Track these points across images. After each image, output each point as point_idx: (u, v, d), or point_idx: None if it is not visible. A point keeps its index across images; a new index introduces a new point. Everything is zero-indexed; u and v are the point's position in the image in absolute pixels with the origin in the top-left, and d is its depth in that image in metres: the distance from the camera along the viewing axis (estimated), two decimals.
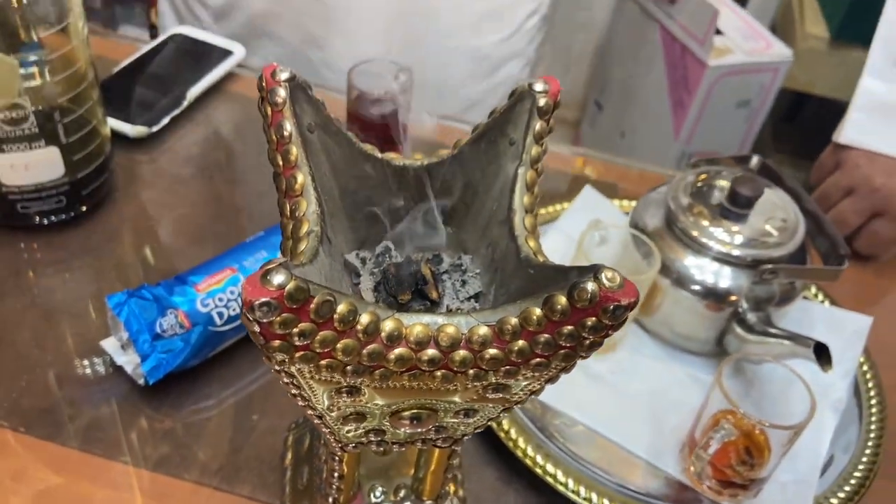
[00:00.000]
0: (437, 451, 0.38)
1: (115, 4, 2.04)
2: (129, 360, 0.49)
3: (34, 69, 0.51)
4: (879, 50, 0.63)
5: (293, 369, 0.26)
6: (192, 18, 0.85)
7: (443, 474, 0.40)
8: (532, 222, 0.33)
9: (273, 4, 0.80)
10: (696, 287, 0.53)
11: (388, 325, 0.26)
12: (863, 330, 0.57)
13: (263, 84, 0.32)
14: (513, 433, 0.49)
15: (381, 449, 0.34)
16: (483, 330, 0.26)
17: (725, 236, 0.53)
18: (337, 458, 0.37)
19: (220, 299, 0.49)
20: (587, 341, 0.27)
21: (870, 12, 0.65)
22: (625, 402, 0.53)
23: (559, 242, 0.61)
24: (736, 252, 0.52)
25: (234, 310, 0.50)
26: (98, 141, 0.58)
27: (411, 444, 0.34)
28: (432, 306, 0.32)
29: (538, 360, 0.27)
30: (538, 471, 0.47)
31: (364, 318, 0.25)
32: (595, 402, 0.52)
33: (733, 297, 0.52)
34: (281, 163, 0.32)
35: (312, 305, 0.24)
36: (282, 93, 0.31)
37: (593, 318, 0.26)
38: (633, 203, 0.61)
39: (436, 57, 0.84)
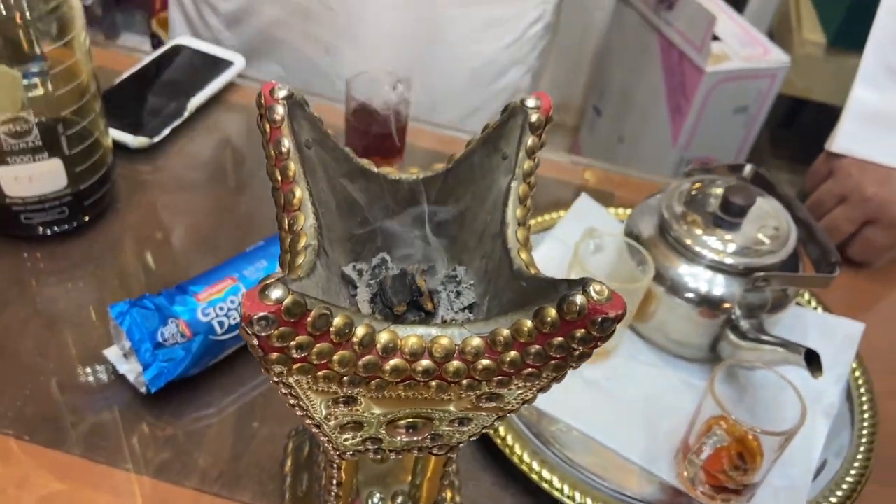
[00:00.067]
0: (433, 458, 0.39)
1: (116, 12, 2.06)
2: (131, 369, 0.50)
3: (37, 80, 0.52)
4: (871, 59, 0.64)
5: (291, 380, 0.27)
6: (204, 26, 0.86)
7: (439, 481, 0.41)
8: (525, 235, 0.34)
9: (283, 12, 0.81)
10: (690, 294, 0.54)
11: (383, 337, 0.26)
12: (855, 336, 0.58)
13: (262, 101, 0.33)
14: (509, 439, 0.49)
15: (379, 457, 0.35)
16: (476, 341, 0.27)
17: (718, 244, 0.53)
18: (335, 465, 0.38)
19: (221, 308, 0.50)
20: (577, 352, 0.28)
21: (866, 19, 0.65)
22: (620, 407, 0.53)
23: (555, 250, 0.62)
24: (729, 260, 0.53)
25: (234, 319, 0.51)
26: (100, 152, 0.59)
27: (408, 452, 0.35)
28: (427, 317, 0.33)
29: (530, 370, 0.28)
30: (534, 477, 0.48)
31: (360, 331, 0.26)
32: (590, 408, 0.53)
33: (726, 305, 0.53)
34: (279, 178, 0.32)
35: (309, 319, 0.25)
36: (280, 110, 0.32)
37: (582, 330, 0.27)
38: (629, 211, 0.62)
39: (440, 64, 0.84)
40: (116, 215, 0.63)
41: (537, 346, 0.27)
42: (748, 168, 0.60)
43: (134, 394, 0.50)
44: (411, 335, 0.27)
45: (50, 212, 0.57)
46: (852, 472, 0.50)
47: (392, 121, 0.66)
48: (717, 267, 0.53)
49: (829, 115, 0.68)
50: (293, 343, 0.25)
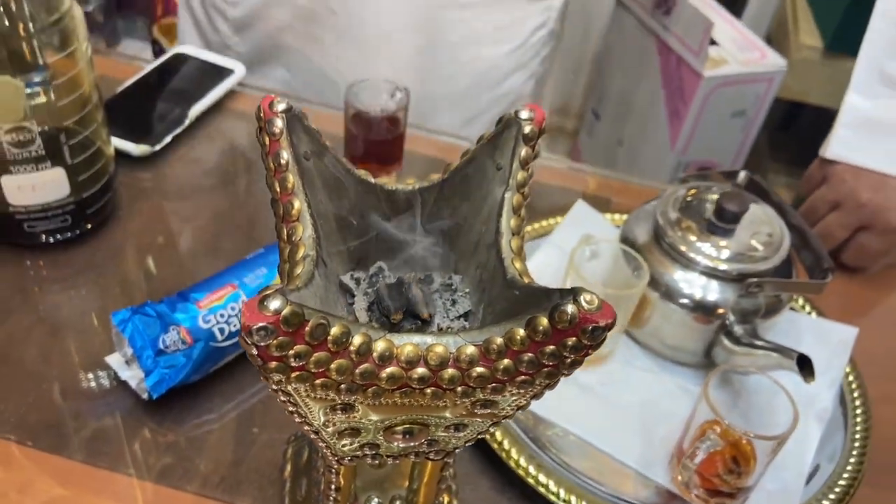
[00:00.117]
0: (430, 463, 0.39)
1: (117, 18, 2.07)
2: (132, 376, 0.51)
3: (40, 90, 0.53)
4: (864, 66, 0.65)
5: (290, 388, 0.28)
6: (213, 31, 0.87)
7: (436, 485, 0.41)
8: (518, 244, 0.34)
9: (290, 17, 0.82)
10: (685, 300, 0.54)
11: (379, 346, 0.27)
12: (848, 341, 0.58)
13: (261, 115, 0.33)
14: (506, 444, 0.50)
15: (376, 462, 0.35)
16: (470, 349, 0.28)
17: (712, 251, 0.54)
18: (334, 470, 0.38)
19: (222, 315, 0.51)
20: (568, 360, 0.28)
21: (862, 23, 0.66)
22: (615, 412, 0.54)
23: (552, 256, 0.63)
24: (723, 266, 0.54)
25: (234, 326, 0.51)
26: (103, 161, 0.60)
27: (405, 457, 0.35)
28: (423, 325, 0.34)
29: (523, 377, 0.29)
30: (531, 481, 0.49)
31: (356, 340, 0.27)
32: (586, 412, 0.53)
33: (721, 310, 0.54)
34: (278, 189, 0.33)
35: (307, 329, 0.26)
36: (279, 123, 0.33)
37: (573, 339, 0.27)
38: (625, 217, 0.63)
39: (442, 68, 0.85)
40: (118, 223, 0.64)
41: (530, 354, 0.28)
42: (742, 174, 0.61)
43: (136, 400, 0.51)
44: (407, 344, 0.28)
45: (53, 220, 0.58)
46: (845, 475, 0.51)
47: (390, 128, 0.67)
48: (711, 273, 0.54)
49: (826, 119, 0.68)
50: (291, 352, 0.26)
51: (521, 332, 0.28)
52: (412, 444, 0.33)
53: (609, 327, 0.27)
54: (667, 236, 0.55)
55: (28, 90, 0.52)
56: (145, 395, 0.50)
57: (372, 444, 0.33)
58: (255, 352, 0.26)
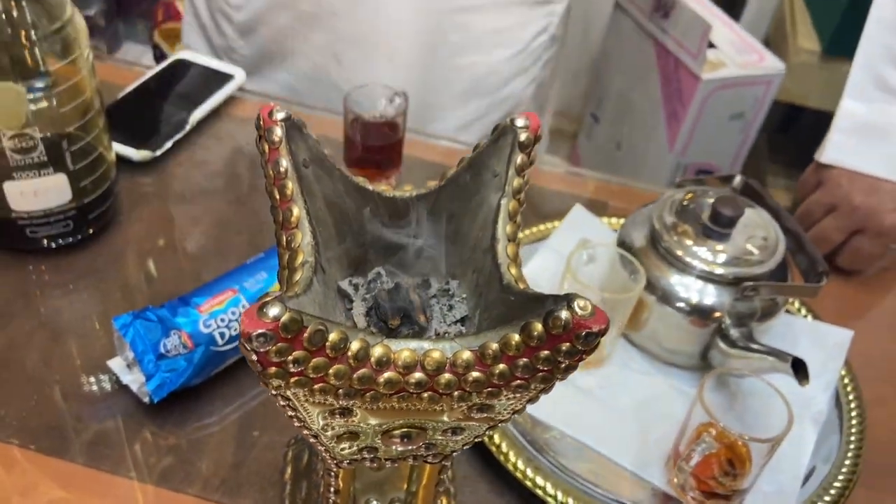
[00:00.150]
0: (428, 466, 0.40)
1: (118, 22, 2.08)
2: (134, 379, 0.51)
3: (42, 97, 0.53)
4: (859, 72, 0.65)
5: (289, 393, 0.28)
6: (218, 35, 0.88)
7: (434, 488, 0.42)
8: (514, 250, 0.35)
9: (294, 22, 0.82)
10: (681, 304, 0.55)
11: (377, 351, 0.28)
12: (844, 343, 0.59)
13: (261, 123, 0.34)
14: (504, 447, 0.50)
15: (375, 465, 0.36)
16: (466, 354, 0.28)
17: (708, 255, 0.54)
18: (333, 473, 0.39)
19: (222, 320, 0.51)
20: (563, 365, 0.29)
21: (859, 27, 0.66)
22: (612, 415, 0.55)
23: (550, 261, 0.63)
24: (719, 270, 0.54)
25: (235, 330, 0.52)
26: (104, 167, 0.60)
27: (403, 461, 0.36)
28: (421, 330, 0.34)
29: (518, 382, 0.29)
30: (528, 484, 0.49)
31: (354, 345, 0.27)
32: (583, 415, 0.54)
33: (717, 314, 0.54)
34: (278, 197, 0.34)
35: (306, 335, 0.26)
36: (278, 132, 0.34)
37: (567, 344, 0.28)
38: (622, 221, 0.63)
39: (444, 72, 0.86)
40: (119, 228, 0.64)
41: (525, 359, 0.28)
42: (738, 178, 0.62)
43: (137, 403, 0.52)
44: (404, 349, 0.28)
45: (55, 225, 0.59)
46: (840, 477, 0.51)
47: (389, 133, 0.68)
48: (707, 277, 0.54)
49: (825, 122, 0.69)
50: (290, 358, 0.26)
51: (516, 337, 0.28)
52: (410, 447, 0.33)
53: (602, 333, 0.28)
54: (663, 240, 0.56)
55: (30, 96, 0.53)
56: (147, 399, 0.50)
57: (370, 448, 0.34)
58: (254, 358, 0.26)
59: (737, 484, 0.48)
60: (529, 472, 0.49)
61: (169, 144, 0.71)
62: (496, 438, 0.51)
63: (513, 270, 0.34)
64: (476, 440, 0.35)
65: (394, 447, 0.33)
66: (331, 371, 0.27)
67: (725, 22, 1.48)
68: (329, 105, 0.81)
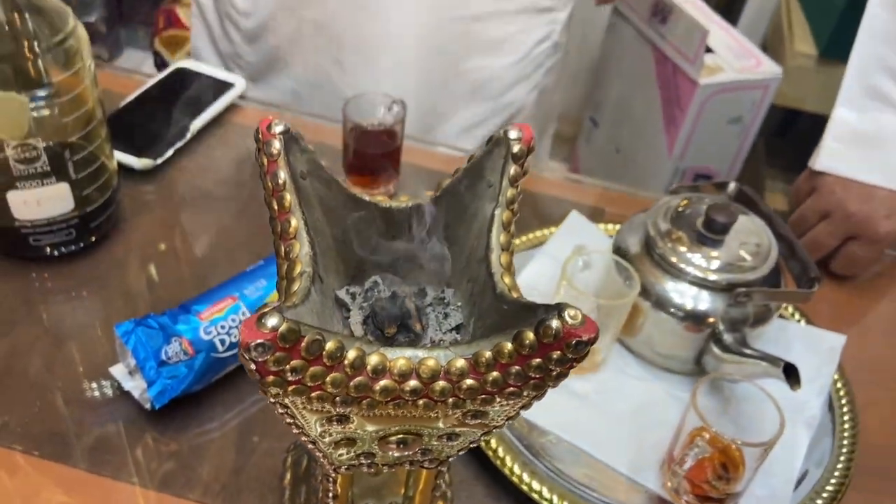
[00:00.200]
0: (424, 471, 0.41)
1: (119, 29, 2.09)
2: (136, 386, 0.52)
3: (45, 107, 0.54)
4: (851, 80, 0.66)
5: (287, 401, 0.29)
6: (226, 41, 0.89)
7: (431, 492, 0.42)
8: (507, 259, 0.35)
9: (300, 30, 0.83)
10: (675, 310, 0.56)
11: (373, 360, 0.28)
12: (837, 348, 0.59)
13: (259, 136, 0.35)
14: (500, 451, 0.51)
15: (372, 470, 0.36)
16: (460, 362, 0.29)
17: (702, 261, 0.55)
18: (331, 479, 0.39)
19: (222, 327, 0.52)
20: (554, 372, 0.29)
21: (856, 31, 0.67)
22: (608, 420, 0.55)
23: (546, 266, 0.64)
24: (712, 277, 0.55)
25: (235, 337, 0.52)
26: (106, 176, 0.61)
27: (400, 466, 0.37)
28: (417, 338, 0.35)
29: (511, 389, 0.30)
30: (524, 488, 0.50)
31: (351, 354, 0.28)
32: (579, 420, 0.55)
33: (711, 319, 0.55)
34: (276, 208, 0.34)
35: (303, 344, 0.27)
36: (276, 144, 0.34)
37: (558, 352, 0.29)
38: (619, 227, 0.64)
39: (445, 78, 0.87)
40: (121, 235, 0.65)
41: (517, 367, 0.29)
42: (732, 185, 0.62)
43: (139, 409, 0.52)
44: (399, 357, 0.29)
45: (57, 233, 0.59)
46: (832, 480, 0.52)
47: (388, 141, 0.69)
48: (701, 283, 0.55)
49: (822, 125, 0.69)
50: (288, 367, 0.27)
51: (508, 345, 0.29)
52: (406, 453, 0.34)
53: (592, 341, 0.28)
54: (657, 247, 0.56)
55: (33, 107, 0.53)
56: (148, 405, 0.51)
57: (367, 454, 0.34)
58: (253, 367, 0.27)
59: (730, 487, 0.49)
60: (526, 477, 0.50)
61: (170, 153, 0.72)
62: (493, 443, 0.51)
63: (506, 279, 0.34)
64: (471, 445, 0.35)
65: (390, 453, 0.34)
66: (328, 379, 0.28)
67: (723, 27, 1.49)
68: (333, 112, 0.82)
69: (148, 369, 0.50)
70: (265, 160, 0.35)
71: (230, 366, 0.53)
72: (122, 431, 0.52)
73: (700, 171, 1.54)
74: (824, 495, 0.51)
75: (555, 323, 0.28)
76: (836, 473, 0.52)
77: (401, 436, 0.33)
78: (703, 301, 0.55)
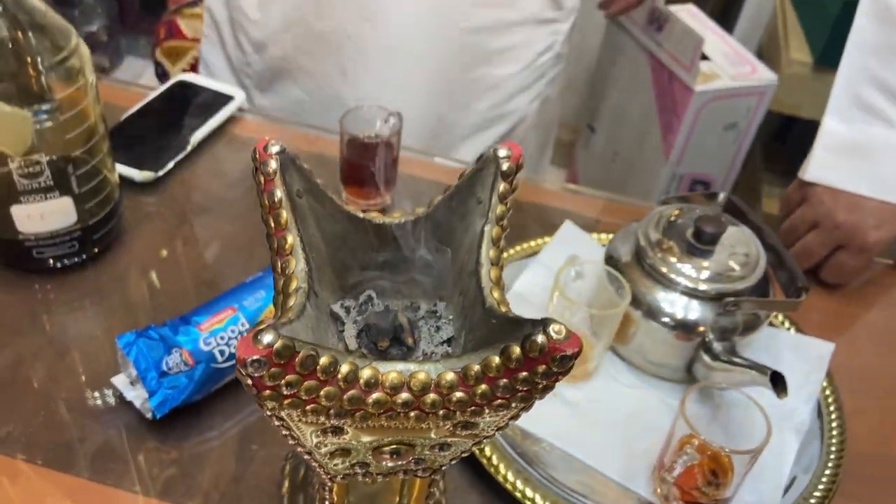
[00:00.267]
0: (418, 479, 0.42)
1: (120, 38, 2.10)
2: (137, 396, 0.53)
3: (48, 123, 0.55)
4: (840, 92, 0.67)
5: (283, 414, 0.30)
6: (237, 50, 0.91)
7: (425, 500, 0.43)
8: (497, 274, 0.37)
9: (308, 39, 0.85)
10: (666, 319, 0.57)
11: (365, 373, 0.29)
12: (825, 356, 0.60)
13: (257, 156, 0.36)
14: (494, 459, 0.52)
15: (368, 479, 0.38)
16: (450, 376, 0.30)
17: (692, 272, 0.56)
18: (327, 487, 0.41)
19: (222, 338, 0.53)
20: (541, 385, 0.31)
21: None
22: (600, 427, 0.56)
23: (540, 276, 0.65)
24: (702, 286, 0.56)
25: (234, 348, 0.54)
26: (108, 189, 0.62)
27: (394, 475, 0.38)
28: (409, 351, 0.36)
29: (499, 401, 0.31)
30: (518, 495, 0.51)
31: (344, 368, 0.29)
32: (572, 427, 0.56)
33: (701, 328, 0.56)
34: (273, 225, 0.36)
35: (297, 359, 0.28)
36: (273, 164, 0.35)
37: (544, 366, 0.30)
38: (612, 236, 0.65)
39: (452, 90, 0.88)
40: (123, 247, 0.66)
41: (505, 380, 0.30)
42: (722, 195, 0.63)
43: (140, 419, 0.53)
44: (391, 371, 0.30)
45: (60, 246, 0.60)
46: (820, 486, 0.53)
47: (384, 153, 0.70)
48: (691, 293, 0.56)
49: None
50: (283, 381, 0.28)
51: (496, 359, 0.30)
52: (400, 462, 0.35)
53: (576, 356, 0.29)
54: (648, 257, 0.58)
55: (36, 122, 0.55)
56: (149, 415, 0.52)
57: (362, 463, 0.35)
58: (250, 382, 0.28)
59: (719, 493, 0.50)
60: (519, 484, 0.51)
61: (171, 165, 0.73)
62: (487, 451, 0.52)
63: (495, 294, 0.35)
64: (463, 455, 0.36)
65: (384, 462, 0.35)
66: (322, 393, 0.29)
67: (719, 34, 1.51)
68: (338, 122, 0.83)
69: (149, 380, 0.51)
70: (262, 179, 0.36)
71: (229, 376, 0.55)
72: (124, 440, 0.53)
73: (697, 177, 1.55)
74: (812, 501, 0.52)
75: (540, 338, 0.29)
76: (824, 480, 0.53)
77: (394, 446, 0.34)
78: (693, 310, 0.56)
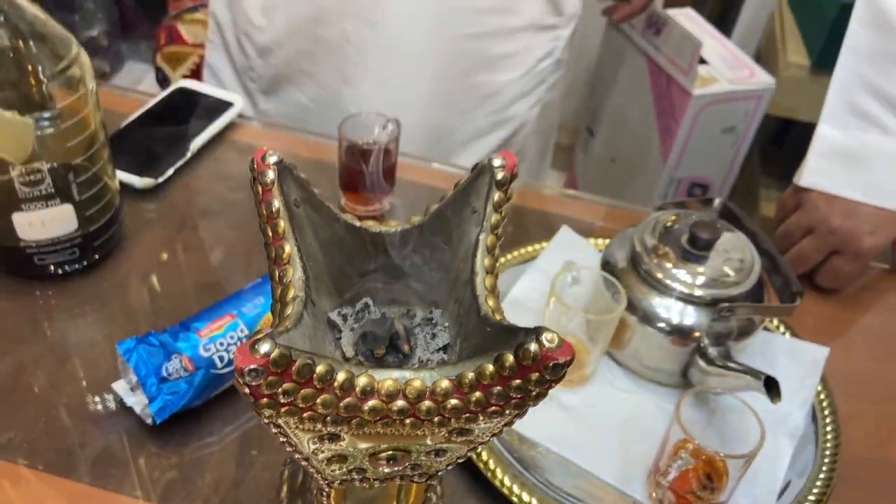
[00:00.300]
0: (415, 484, 0.42)
1: (120, 42, 2.11)
2: (137, 402, 0.53)
3: (50, 131, 0.56)
4: (834, 99, 0.67)
5: (280, 421, 0.31)
6: (241, 55, 0.91)
7: None
8: (492, 282, 0.37)
9: (311, 46, 0.86)
10: (662, 324, 0.57)
11: (361, 381, 0.30)
12: (820, 360, 0.61)
13: (255, 167, 0.36)
14: (491, 464, 0.53)
15: (365, 484, 0.38)
16: (445, 383, 0.31)
17: (687, 277, 0.57)
18: (325, 493, 0.41)
19: (221, 344, 0.54)
20: (534, 392, 0.31)
21: None
22: (597, 431, 0.57)
23: (537, 281, 0.65)
24: (697, 292, 0.56)
25: (233, 354, 0.54)
26: (108, 196, 0.63)
27: (391, 480, 0.38)
28: (405, 358, 0.37)
29: (493, 408, 0.31)
30: (515, 500, 0.51)
31: (340, 376, 0.30)
32: (569, 432, 0.56)
33: (696, 333, 0.57)
34: (270, 234, 0.36)
35: (294, 368, 0.28)
36: (270, 174, 0.36)
37: (537, 374, 0.30)
38: (608, 241, 0.66)
39: (454, 96, 0.89)
40: (124, 253, 0.67)
41: (499, 388, 0.31)
42: (717, 201, 0.64)
43: (140, 424, 0.54)
44: (387, 378, 0.30)
45: (61, 253, 0.61)
46: (815, 490, 0.53)
47: (382, 159, 0.70)
48: (686, 298, 0.57)
49: None
50: (280, 390, 0.29)
51: (490, 367, 0.30)
52: (397, 468, 0.36)
53: (568, 364, 0.30)
54: (643, 263, 0.58)
55: (38, 130, 0.55)
56: (149, 420, 0.53)
57: (359, 469, 0.36)
58: (247, 390, 0.28)
59: (714, 497, 0.50)
60: (516, 489, 0.52)
61: (170, 171, 0.73)
62: (484, 455, 0.53)
63: (490, 302, 0.36)
64: (459, 460, 0.37)
65: (381, 468, 0.35)
66: (318, 401, 0.29)
67: (717, 38, 1.51)
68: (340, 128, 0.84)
69: (149, 386, 0.52)
70: (260, 189, 0.36)
71: (229, 381, 0.55)
72: (124, 446, 0.53)
73: (696, 180, 1.55)
74: None
75: (533, 346, 0.29)
76: (818, 484, 0.54)
77: (390, 452, 0.34)
78: (688, 316, 0.57)
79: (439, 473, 0.38)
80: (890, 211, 0.66)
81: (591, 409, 0.58)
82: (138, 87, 2.04)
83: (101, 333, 0.60)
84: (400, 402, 0.30)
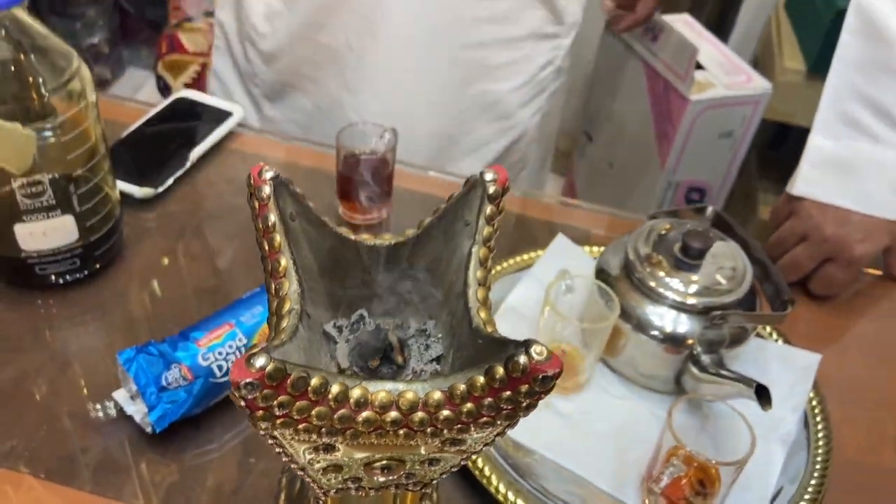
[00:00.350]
0: (410, 493, 0.43)
1: (121, 49, 2.12)
2: (137, 410, 0.54)
3: (51, 141, 0.57)
4: (827, 108, 0.68)
5: (276, 433, 0.31)
6: (245, 60, 0.93)
7: None
8: (484, 294, 0.38)
9: (314, 53, 0.87)
10: (655, 332, 0.58)
11: (355, 393, 0.31)
12: (812, 366, 0.61)
13: (251, 182, 0.37)
14: (486, 471, 0.53)
15: (361, 493, 0.39)
16: (437, 395, 0.31)
17: (680, 286, 0.57)
18: (322, 501, 0.42)
19: (220, 353, 0.54)
20: (524, 404, 0.32)
21: None
22: (591, 438, 0.57)
23: (532, 289, 0.66)
24: (690, 300, 0.57)
25: (232, 362, 0.55)
26: (109, 206, 0.63)
27: (386, 489, 0.39)
28: (399, 369, 0.37)
29: (485, 419, 0.32)
30: None
31: (334, 388, 0.30)
32: (563, 439, 0.57)
33: (689, 341, 0.57)
34: (267, 248, 0.37)
35: (289, 381, 0.29)
36: (266, 189, 0.37)
37: (526, 386, 0.31)
38: (603, 249, 0.66)
39: (455, 104, 0.89)
40: (124, 263, 0.67)
41: (489, 399, 0.31)
42: (710, 210, 0.65)
43: (140, 432, 0.55)
44: (380, 390, 0.31)
45: (62, 263, 0.62)
46: (806, 496, 0.54)
47: (380, 168, 0.71)
48: (679, 306, 0.57)
49: None
50: (276, 402, 0.29)
51: (481, 379, 0.31)
52: (392, 477, 0.36)
53: (557, 376, 0.31)
54: (637, 271, 0.59)
55: (39, 141, 0.56)
56: (149, 429, 0.53)
57: (354, 478, 0.37)
58: (243, 403, 0.29)
59: (707, 503, 0.51)
60: (511, 496, 0.52)
61: (170, 181, 0.74)
62: (479, 463, 0.54)
63: (482, 314, 0.37)
64: (453, 469, 0.38)
65: (376, 478, 0.36)
66: (313, 413, 0.30)
67: (713, 43, 1.52)
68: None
69: (149, 395, 0.52)
70: (257, 204, 0.37)
71: (227, 390, 0.56)
72: (125, 453, 0.54)
73: (693, 185, 1.56)
74: None
75: (522, 359, 0.30)
76: (810, 489, 0.54)
77: (385, 462, 0.35)
78: (681, 324, 0.57)
79: (434, 482, 0.39)
80: (880, 219, 0.67)
81: (585, 416, 0.59)
82: (139, 94, 2.06)
83: (101, 342, 0.61)
84: (393, 414, 0.31)
